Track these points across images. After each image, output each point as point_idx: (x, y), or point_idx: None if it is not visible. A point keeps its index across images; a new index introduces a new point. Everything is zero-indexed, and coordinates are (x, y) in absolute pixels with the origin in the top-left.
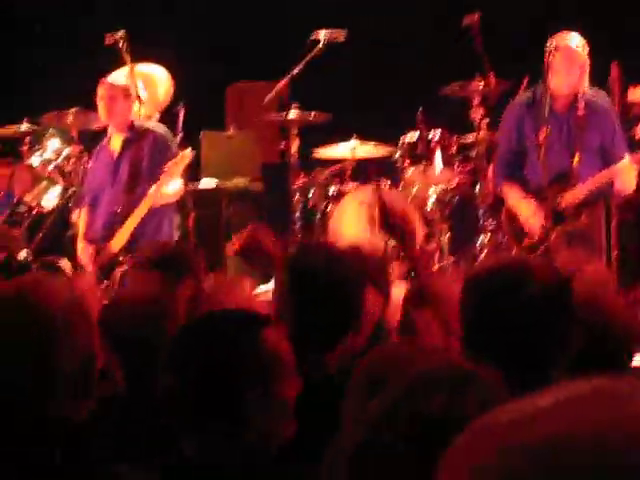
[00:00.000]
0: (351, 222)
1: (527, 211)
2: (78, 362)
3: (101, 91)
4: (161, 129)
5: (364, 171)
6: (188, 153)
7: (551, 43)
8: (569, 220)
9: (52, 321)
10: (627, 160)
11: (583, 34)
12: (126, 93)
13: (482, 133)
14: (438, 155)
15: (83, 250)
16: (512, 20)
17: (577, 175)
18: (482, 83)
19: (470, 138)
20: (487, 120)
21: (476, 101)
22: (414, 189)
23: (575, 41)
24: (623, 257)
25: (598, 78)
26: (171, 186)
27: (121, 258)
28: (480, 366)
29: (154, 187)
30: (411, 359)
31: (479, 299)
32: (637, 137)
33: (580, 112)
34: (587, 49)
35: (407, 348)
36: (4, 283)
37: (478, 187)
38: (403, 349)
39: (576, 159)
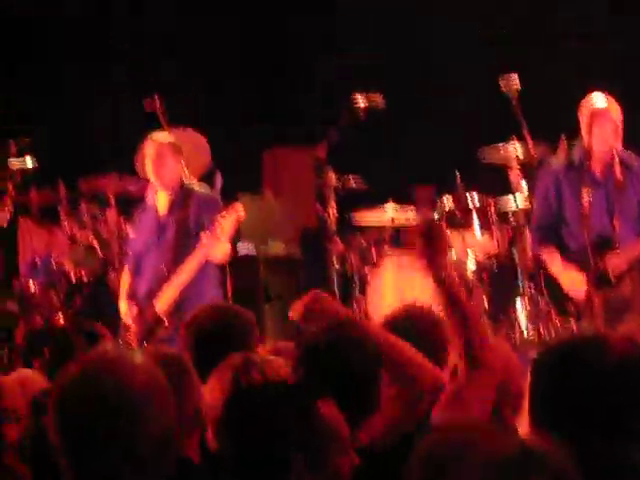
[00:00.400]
0: (390, 288)
1: (571, 278)
2: (159, 436)
3: (150, 149)
4: (207, 191)
5: (402, 237)
6: (239, 207)
7: (585, 105)
8: (613, 286)
9: (133, 400)
10: None
11: (614, 95)
12: (175, 150)
13: (520, 198)
14: (476, 220)
15: (127, 309)
16: (546, 81)
17: (618, 239)
18: (520, 146)
19: (508, 202)
20: (526, 184)
21: (514, 165)
22: (453, 253)
23: (609, 103)
24: None
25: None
26: (219, 248)
27: (165, 319)
28: (551, 445)
29: (206, 237)
30: (473, 442)
31: (556, 378)
32: None
33: (618, 174)
34: (619, 111)
35: (465, 429)
36: (79, 360)
37: (516, 252)
38: (461, 431)
39: (617, 223)
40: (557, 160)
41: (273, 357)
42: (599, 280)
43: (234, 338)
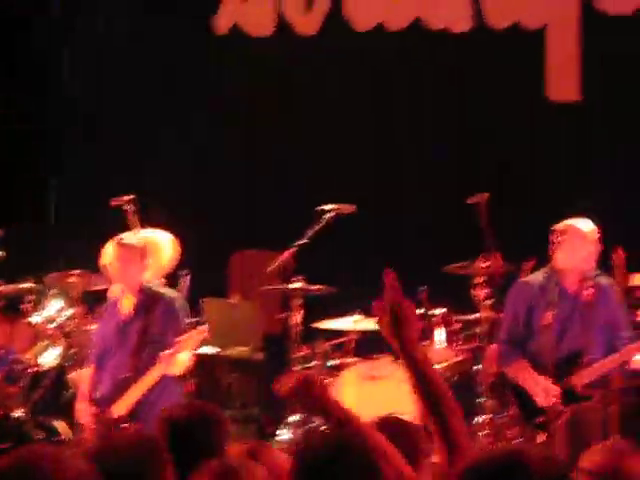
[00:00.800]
0: (350, 396)
1: (540, 390)
2: None
3: (117, 252)
4: (173, 294)
5: (366, 345)
6: (204, 328)
7: (560, 225)
8: (580, 401)
9: None
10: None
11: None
12: (142, 254)
13: (485, 312)
14: (438, 333)
15: (83, 411)
16: (518, 201)
17: (588, 354)
18: (487, 262)
19: (473, 317)
20: (491, 300)
21: (480, 280)
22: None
23: (585, 224)
24: None
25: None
26: (178, 363)
27: (123, 425)
28: None
29: (166, 355)
30: None
31: None
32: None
33: (589, 291)
34: (597, 234)
35: None
36: (5, 456)
37: (477, 367)
38: None
39: (586, 339)
40: (533, 277)
41: (249, 462)
42: (567, 395)
43: (207, 434)
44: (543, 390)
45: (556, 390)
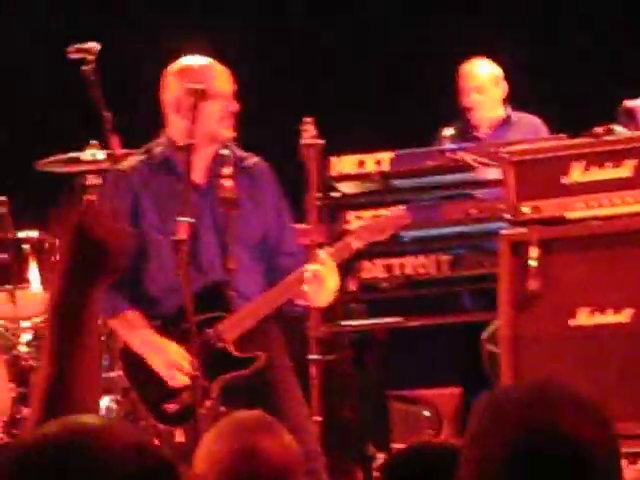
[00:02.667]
0: None
1: (164, 359)
2: None
3: None
4: None
5: None
6: None
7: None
8: (237, 367)
9: None
10: (322, 254)
11: None
12: None
13: None
14: (34, 267)
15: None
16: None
17: (235, 287)
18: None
19: None
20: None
21: (91, 181)
22: None
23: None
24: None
25: None
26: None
27: None
28: None
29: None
30: None
31: None
32: None
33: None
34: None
35: None
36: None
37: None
38: None
39: (231, 258)
40: (131, 161)
41: None
42: (212, 357)
43: None
44: (168, 360)
45: (187, 357)
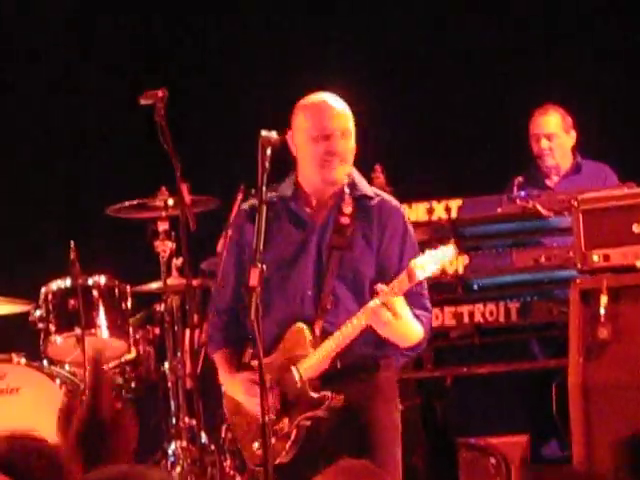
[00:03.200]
0: None
1: (249, 400)
2: None
3: None
4: None
5: None
6: None
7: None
8: (313, 408)
9: None
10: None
11: None
12: None
13: (173, 278)
14: (102, 313)
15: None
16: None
17: (328, 324)
18: (171, 197)
19: (155, 286)
20: (180, 258)
21: (162, 227)
22: (66, 367)
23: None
24: None
25: None
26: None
27: None
28: None
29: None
30: None
31: None
32: None
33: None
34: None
35: None
36: None
37: (164, 367)
38: None
39: (326, 297)
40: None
41: None
42: (288, 404)
43: None
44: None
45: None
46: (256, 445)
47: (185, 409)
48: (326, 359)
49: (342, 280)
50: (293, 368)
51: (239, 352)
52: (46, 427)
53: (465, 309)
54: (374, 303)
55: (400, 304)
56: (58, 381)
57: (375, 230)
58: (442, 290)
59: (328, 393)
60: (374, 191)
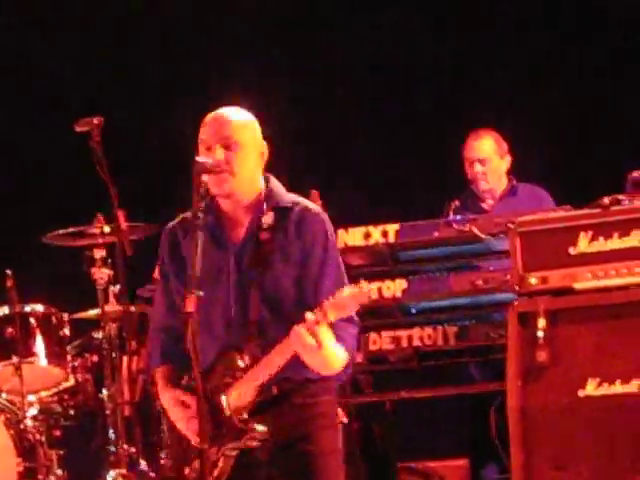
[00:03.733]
0: None
1: (182, 421)
2: None
3: None
4: None
5: None
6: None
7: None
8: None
9: None
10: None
11: None
12: None
13: (111, 305)
14: (40, 341)
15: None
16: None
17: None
18: (106, 226)
19: (92, 313)
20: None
21: (98, 254)
22: (3, 396)
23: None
24: None
25: None
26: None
27: None
28: None
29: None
30: None
31: None
32: None
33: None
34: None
35: None
36: None
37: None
38: None
39: (251, 319)
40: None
41: None
42: (222, 427)
43: None
44: (184, 417)
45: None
46: (187, 470)
47: (124, 436)
48: (254, 387)
49: (265, 302)
50: (223, 397)
51: (178, 369)
52: None
53: (404, 333)
54: (299, 329)
55: (323, 333)
56: None
57: (295, 242)
58: (380, 314)
59: (252, 425)
60: (293, 200)
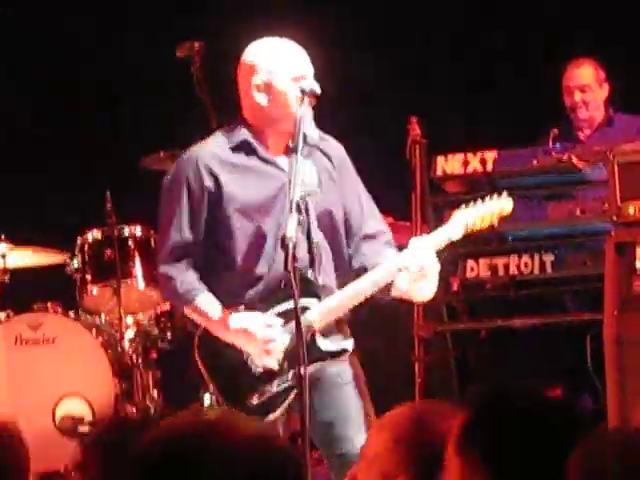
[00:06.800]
0: None
1: (253, 338)
2: None
3: None
4: None
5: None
6: None
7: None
8: (323, 358)
9: None
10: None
11: None
12: None
13: None
14: (138, 263)
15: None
16: None
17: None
18: None
19: None
20: None
21: None
22: (102, 317)
23: None
24: None
25: None
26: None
27: None
28: None
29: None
30: None
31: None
32: None
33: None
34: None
35: None
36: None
37: None
38: None
39: (315, 243)
40: (208, 144)
41: None
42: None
43: None
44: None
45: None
46: (255, 399)
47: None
48: (338, 310)
49: (319, 224)
50: (303, 317)
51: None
52: (81, 377)
53: (500, 261)
54: (417, 262)
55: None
56: (94, 331)
57: (331, 169)
58: (477, 242)
59: (347, 347)
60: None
